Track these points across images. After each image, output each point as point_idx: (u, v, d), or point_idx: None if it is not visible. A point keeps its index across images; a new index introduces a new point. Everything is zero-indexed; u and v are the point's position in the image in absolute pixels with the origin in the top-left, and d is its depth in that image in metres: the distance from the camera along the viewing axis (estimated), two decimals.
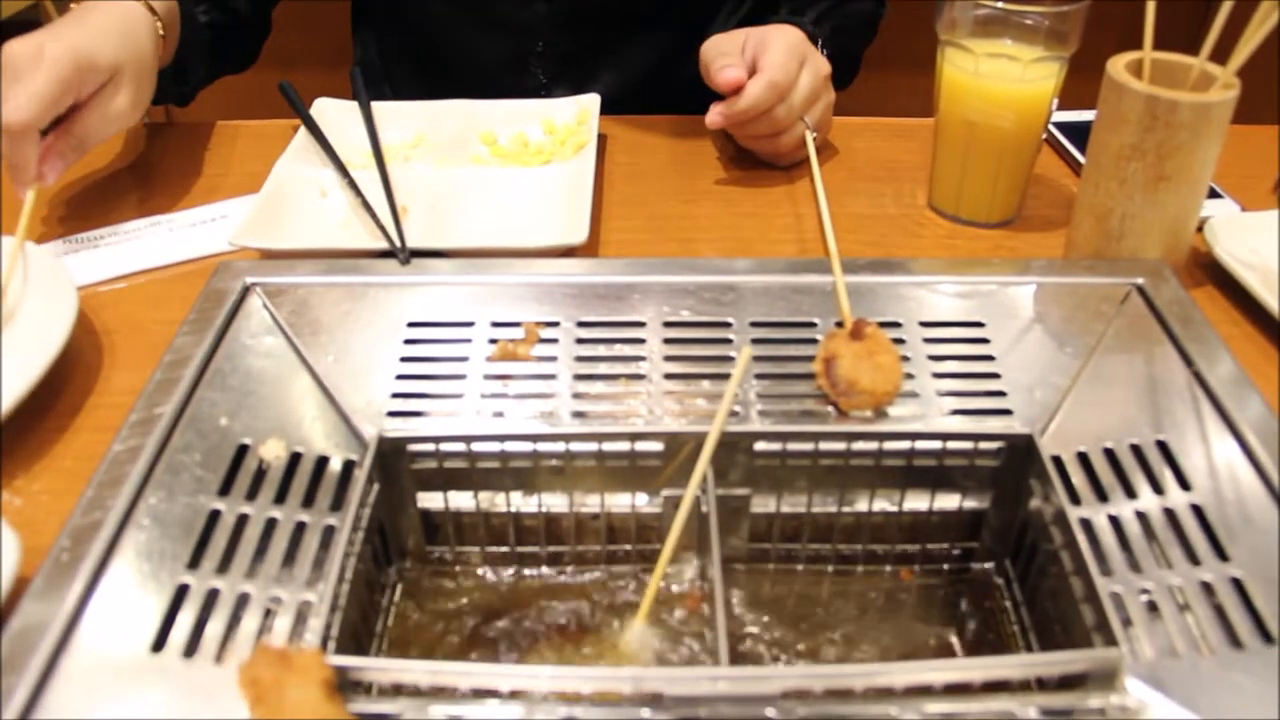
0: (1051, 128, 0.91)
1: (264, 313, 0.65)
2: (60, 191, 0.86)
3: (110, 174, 0.89)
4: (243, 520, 0.52)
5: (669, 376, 0.62)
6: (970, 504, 0.60)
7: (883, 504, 0.59)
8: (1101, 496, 0.55)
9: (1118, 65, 0.69)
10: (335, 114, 0.90)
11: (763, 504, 0.59)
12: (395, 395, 0.60)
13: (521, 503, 0.59)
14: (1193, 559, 0.51)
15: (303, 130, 0.87)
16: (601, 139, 0.89)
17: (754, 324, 0.65)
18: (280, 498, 0.54)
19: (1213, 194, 0.82)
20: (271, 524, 0.52)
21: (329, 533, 0.52)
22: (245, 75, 1.07)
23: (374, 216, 0.75)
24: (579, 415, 0.59)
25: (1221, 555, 0.51)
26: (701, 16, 1.02)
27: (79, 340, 0.67)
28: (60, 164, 0.75)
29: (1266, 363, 0.68)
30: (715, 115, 0.83)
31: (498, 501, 0.59)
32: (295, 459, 0.56)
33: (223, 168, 0.90)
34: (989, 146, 0.77)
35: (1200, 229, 0.75)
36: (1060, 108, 0.81)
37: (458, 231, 0.77)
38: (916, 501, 0.59)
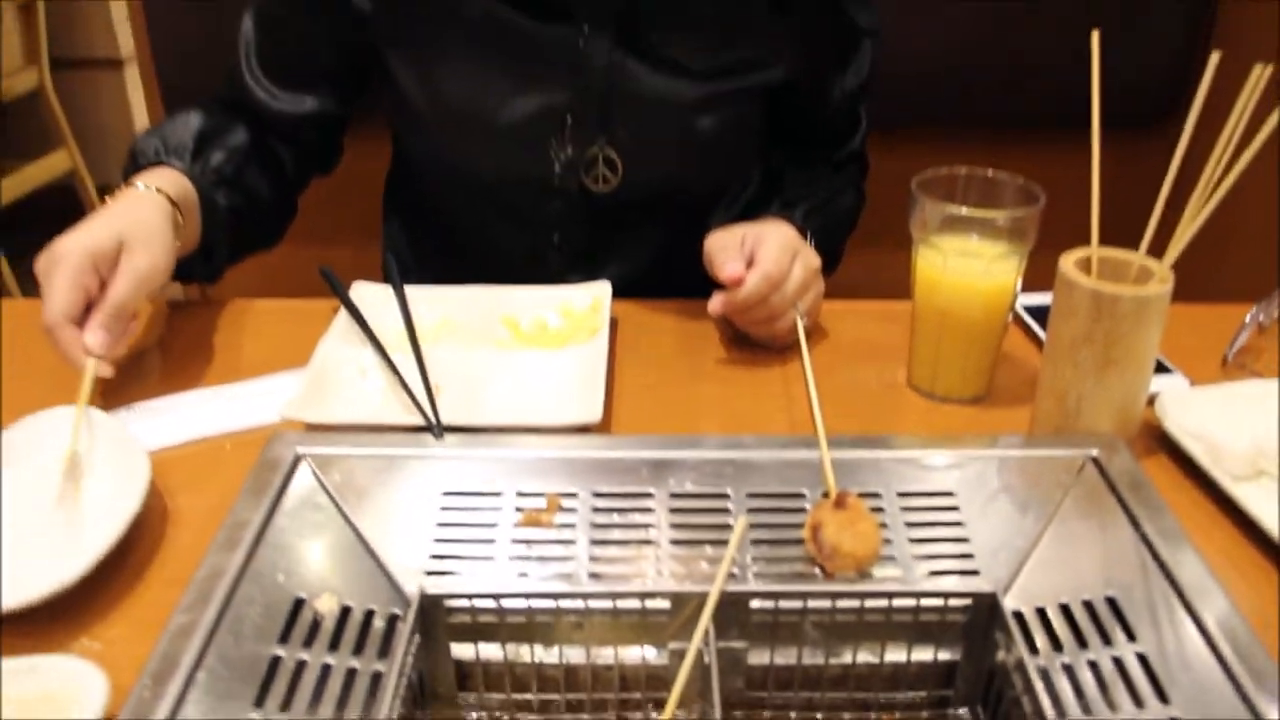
0: (1019, 309, 1.00)
1: (314, 480, 0.73)
2: (123, 364, 0.94)
3: (164, 350, 0.98)
4: (301, 665, 0.60)
5: (675, 542, 0.69)
6: (944, 655, 0.66)
7: (866, 656, 0.66)
8: (1057, 647, 0.62)
9: (1068, 262, 0.79)
10: (371, 297, 0.99)
11: (758, 656, 0.66)
12: (433, 556, 0.67)
13: (544, 654, 0.66)
14: (1137, 702, 0.58)
15: (342, 311, 0.96)
16: (613, 321, 0.98)
17: (750, 495, 0.73)
18: (334, 645, 0.61)
19: (1164, 369, 0.91)
20: (326, 669, 0.60)
21: (376, 678, 0.59)
22: (278, 252, 1.17)
23: (411, 396, 0.84)
24: (595, 576, 0.67)
25: (1163, 698, 0.58)
26: (700, 212, 1.13)
27: (145, 501, 0.74)
28: (104, 334, 0.83)
29: (1210, 523, 0.75)
30: (716, 304, 0.93)
31: (522, 652, 0.66)
32: (346, 612, 0.63)
33: (267, 344, 0.99)
34: (959, 332, 0.87)
35: (1152, 403, 0.84)
36: (1028, 288, 0.90)
37: (486, 410, 0.85)
38: (896, 653, 0.66)
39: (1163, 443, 0.83)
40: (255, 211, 1.07)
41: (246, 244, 1.10)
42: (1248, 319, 0.95)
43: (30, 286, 0.85)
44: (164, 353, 0.98)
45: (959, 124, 1.49)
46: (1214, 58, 0.71)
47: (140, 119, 3.66)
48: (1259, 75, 0.70)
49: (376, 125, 1.16)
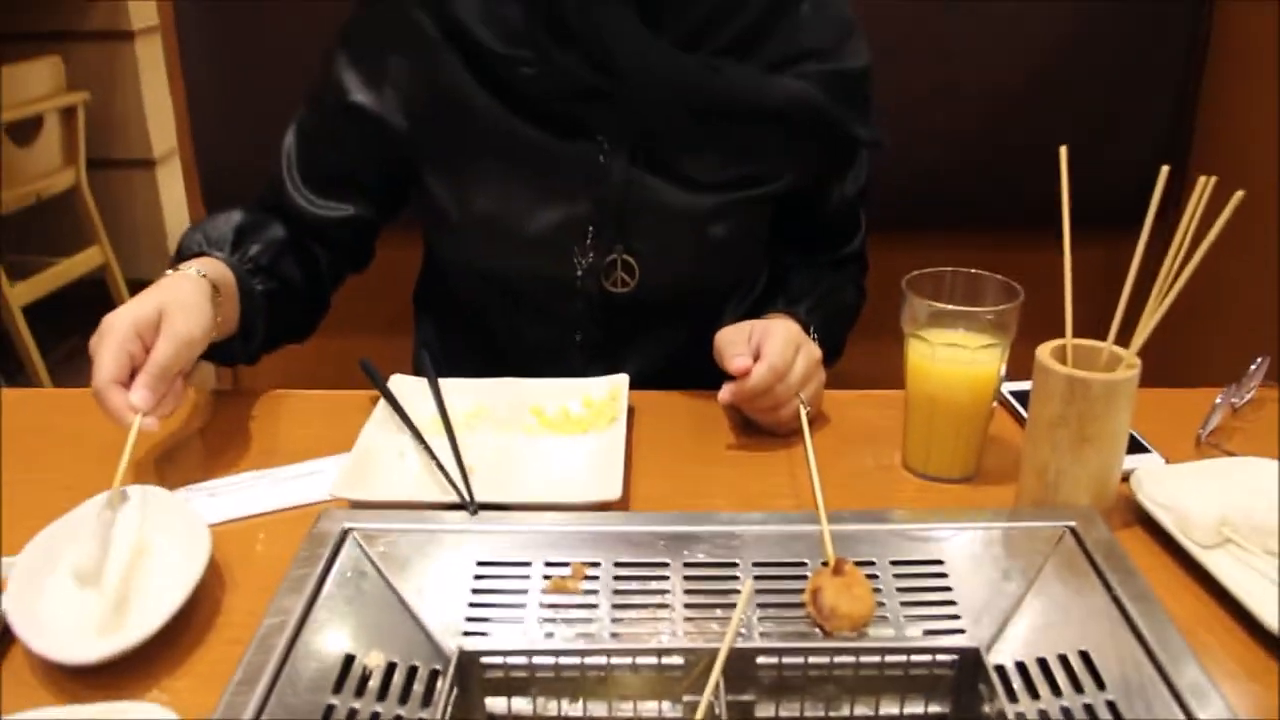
0: (1006, 393, 1.08)
1: (360, 551, 0.81)
2: (177, 449, 1.03)
3: (216, 435, 1.06)
4: (353, 713, 0.67)
5: (688, 605, 0.76)
6: (935, 708, 0.73)
7: (862, 709, 0.73)
8: (1034, 695, 0.68)
9: (1044, 352, 0.86)
10: (408, 388, 1.07)
11: (765, 709, 0.72)
12: (469, 619, 0.75)
13: (569, 708, 0.72)
14: None
15: (382, 400, 1.04)
16: (631, 411, 1.06)
17: (756, 564, 0.80)
18: (382, 696, 0.68)
19: (1142, 449, 0.98)
20: (375, 717, 0.67)
21: None
22: (312, 345, 1.26)
23: (447, 476, 0.91)
24: (616, 635, 0.74)
25: None
26: (713, 311, 1.21)
27: (206, 569, 0.82)
28: (147, 392, 0.90)
29: (1178, 584, 0.82)
30: (726, 393, 1.00)
31: (549, 707, 0.73)
32: (391, 667, 0.71)
33: (307, 431, 1.06)
34: (949, 417, 0.94)
35: (1128, 480, 0.91)
36: (1017, 376, 0.97)
37: (516, 488, 0.93)
38: (889, 706, 0.72)
39: (1138, 515, 0.90)
40: (290, 299, 1.15)
41: (282, 330, 1.18)
42: (1218, 401, 1.03)
43: (62, 376, 0.94)
44: (214, 438, 1.06)
45: (959, 225, 1.58)
46: (1163, 171, 0.79)
47: (172, 217, 3.82)
48: (1204, 186, 0.78)
49: (403, 226, 1.24)
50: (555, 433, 1.03)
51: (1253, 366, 1.08)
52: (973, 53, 1.55)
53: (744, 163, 1.15)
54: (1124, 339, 0.86)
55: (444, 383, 1.08)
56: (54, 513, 0.84)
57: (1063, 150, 0.83)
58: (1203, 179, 0.78)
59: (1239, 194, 0.75)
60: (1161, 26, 1.55)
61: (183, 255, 1.08)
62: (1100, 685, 0.69)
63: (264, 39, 1.56)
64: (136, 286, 3.79)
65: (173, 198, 3.84)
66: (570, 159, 1.11)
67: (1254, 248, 1.44)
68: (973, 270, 0.95)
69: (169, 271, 1.03)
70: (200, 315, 0.97)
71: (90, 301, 3.65)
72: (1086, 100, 1.56)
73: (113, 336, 0.91)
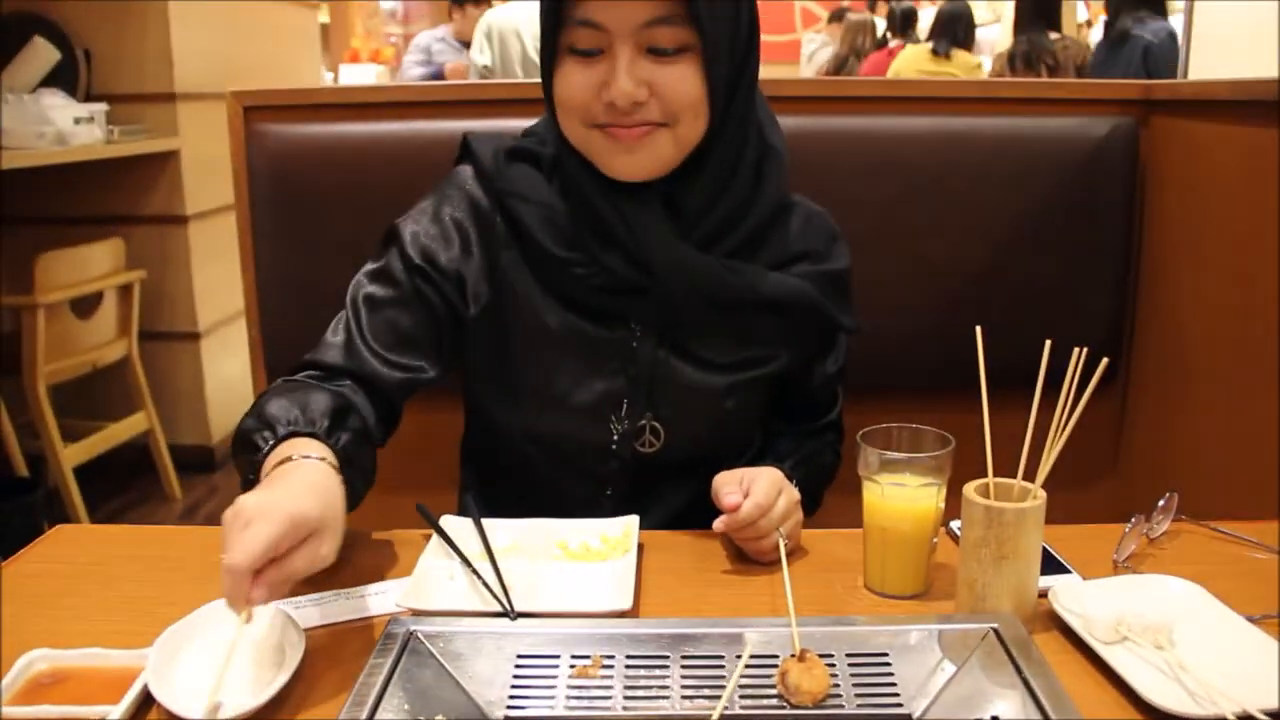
0: (954, 528, 1.28)
1: (424, 646, 1.01)
2: None
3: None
4: None
5: (684, 687, 0.97)
6: None
7: None
8: None
9: (970, 488, 1.08)
10: (455, 526, 1.29)
11: None
12: (511, 695, 0.95)
13: None
14: None
15: (435, 536, 1.26)
16: (641, 546, 1.26)
17: (737, 656, 1.00)
18: None
19: (1064, 569, 1.18)
20: None
21: None
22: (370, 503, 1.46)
23: (490, 590, 1.12)
24: (626, 710, 0.94)
25: None
26: (722, 468, 1.41)
27: (303, 659, 1.01)
28: (270, 593, 0.95)
29: (1083, 673, 1.01)
30: (719, 524, 1.22)
31: None
32: None
33: (375, 561, 1.28)
34: (898, 543, 1.15)
35: (1046, 595, 1.11)
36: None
37: (547, 600, 1.14)
38: None
39: (1055, 622, 1.09)
40: (362, 487, 1.28)
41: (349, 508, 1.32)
42: (1127, 528, 1.23)
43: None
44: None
45: (922, 390, 1.80)
46: (1047, 345, 1.03)
47: (213, 387, 4.11)
48: (1077, 356, 1.01)
49: (434, 396, 1.42)
50: (578, 561, 1.24)
51: (1161, 502, 1.29)
52: (933, 241, 1.81)
53: (749, 347, 1.40)
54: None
55: (485, 522, 1.29)
56: (169, 619, 1.05)
57: (978, 329, 1.07)
58: (1076, 351, 1.01)
59: (1105, 361, 0.99)
60: (1098, 221, 1.81)
61: (272, 421, 1.16)
62: None
63: (329, 221, 1.81)
64: (177, 451, 4.05)
65: (215, 369, 4.15)
66: (609, 343, 1.36)
67: (1195, 405, 1.66)
68: (913, 425, 1.17)
69: (294, 450, 1.11)
70: (340, 533, 1.04)
71: (133, 464, 3.92)
72: (1038, 284, 1.81)
73: (272, 526, 0.95)
